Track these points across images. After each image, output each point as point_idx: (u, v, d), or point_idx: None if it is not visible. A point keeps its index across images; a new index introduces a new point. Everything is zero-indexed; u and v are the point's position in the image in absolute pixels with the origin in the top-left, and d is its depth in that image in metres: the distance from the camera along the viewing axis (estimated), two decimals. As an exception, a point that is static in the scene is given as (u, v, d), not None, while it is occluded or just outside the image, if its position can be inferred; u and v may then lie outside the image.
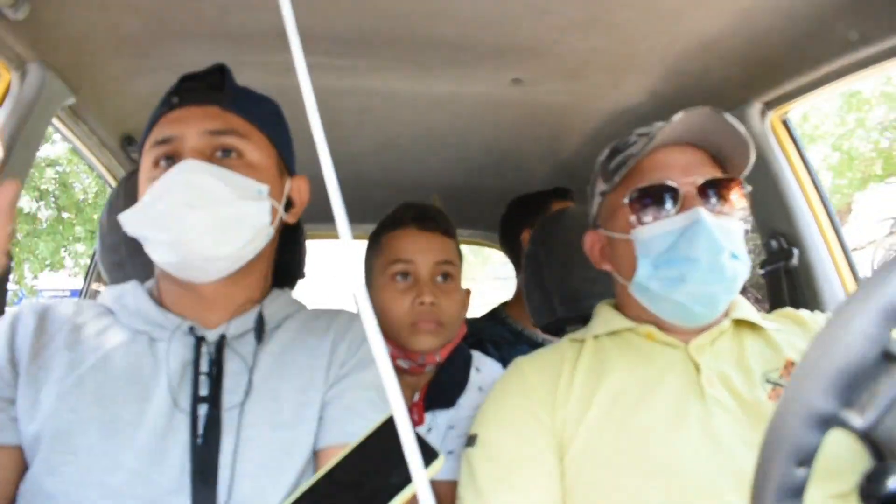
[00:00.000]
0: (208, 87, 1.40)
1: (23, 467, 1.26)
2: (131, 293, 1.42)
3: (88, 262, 2.96)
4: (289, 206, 1.48)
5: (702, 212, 1.38)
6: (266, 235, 1.39)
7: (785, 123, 2.16)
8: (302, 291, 1.62)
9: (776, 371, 1.40)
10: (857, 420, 0.70)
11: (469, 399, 1.87)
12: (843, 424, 0.71)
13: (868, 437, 0.71)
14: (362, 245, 2.14)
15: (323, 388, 1.35)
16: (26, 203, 13.23)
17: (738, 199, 1.46)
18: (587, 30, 1.79)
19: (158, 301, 1.42)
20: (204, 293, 1.38)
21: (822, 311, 1.65)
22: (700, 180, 1.42)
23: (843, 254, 2.09)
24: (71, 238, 13.67)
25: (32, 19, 1.55)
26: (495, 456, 1.44)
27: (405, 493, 0.96)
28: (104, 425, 1.23)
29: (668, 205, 1.43)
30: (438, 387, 1.90)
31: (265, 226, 1.36)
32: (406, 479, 0.97)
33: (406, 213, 1.97)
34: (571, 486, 1.38)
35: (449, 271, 1.92)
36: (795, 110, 2.13)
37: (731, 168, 1.50)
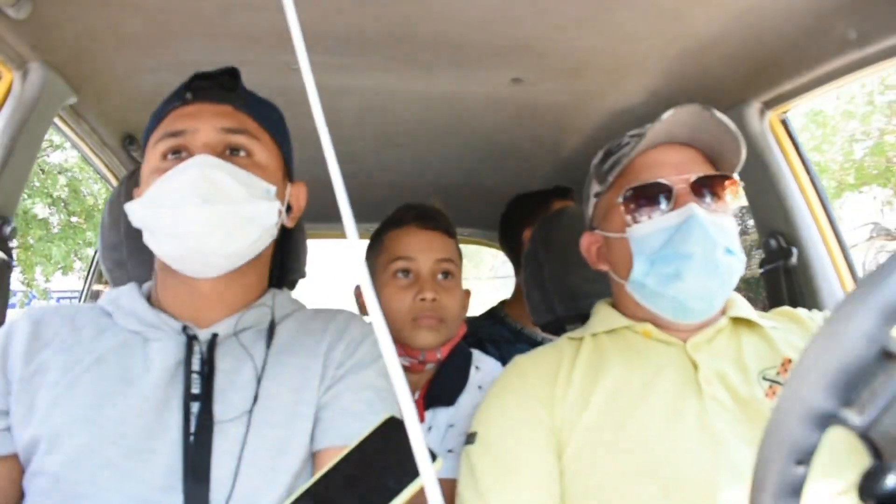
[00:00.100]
0: (221, 86, 1.41)
1: (20, 474, 1.26)
2: (127, 295, 1.42)
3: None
4: (288, 211, 1.48)
5: (695, 208, 1.39)
6: (270, 235, 1.40)
7: (784, 123, 2.17)
8: (303, 291, 1.62)
9: (773, 369, 1.41)
10: (856, 419, 0.70)
11: (469, 397, 1.88)
12: (841, 423, 0.71)
13: (867, 436, 0.71)
14: (364, 244, 2.15)
15: (318, 389, 1.34)
16: (40, 210, 13.35)
17: (732, 195, 1.47)
18: (587, 29, 1.79)
19: (155, 300, 1.42)
20: (201, 290, 1.37)
21: (821, 309, 1.65)
22: (693, 177, 1.43)
23: (842, 253, 2.09)
24: (82, 242, 13.78)
25: (34, 19, 1.56)
26: (495, 454, 1.44)
27: (403, 496, 0.96)
28: (93, 425, 1.23)
29: (662, 202, 1.44)
30: (439, 385, 1.91)
31: (271, 226, 1.37)
32: (404, 482, 0.96)
33: (407, 213, 1.99)
34: (570, 484, 1.39)
35: (450, 269, 1.94)
36: (794, 110, 2.14)
37: (723, 165, 1.51)
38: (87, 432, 1.22)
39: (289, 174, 1.49)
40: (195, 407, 1.27)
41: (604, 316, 1.60)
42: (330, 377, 1.36)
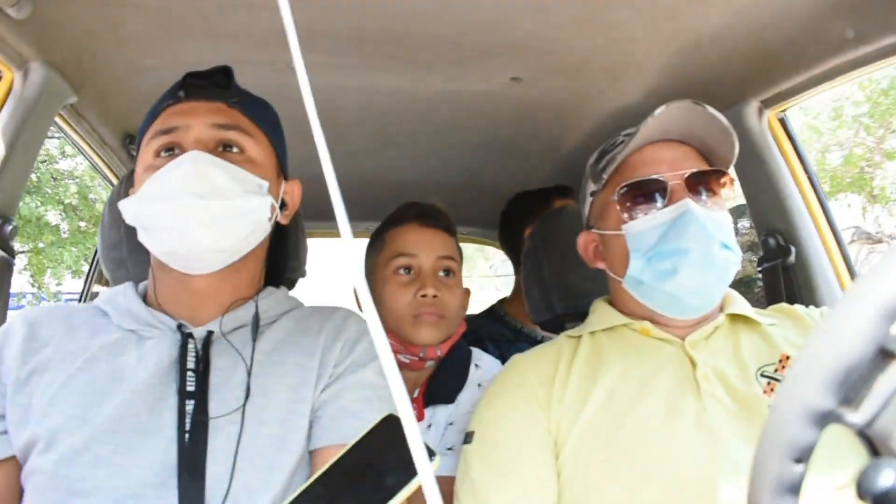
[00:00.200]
0: (214, 84, 1.42)
1: (19, 475, 1.27)
2: (122, 294, 1.43)
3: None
4: (282, 208, 1.48)
5: (690, 203, 1.40)
6: (263, 231, 1.40)
7: (782, 122, 2.17)
8: (304, 290, 1.63)
9: (772, 366, 1.41)
10: (854, 417, 0.70)
11: (468, 395, 1.88)
12: (839, 421, 0.71)
13: (864, 434, 0.72)
14: (362, 243, 2.15)
15: (316, 388, 1.34)
16: (52, 216, 13.49)
17: (726, 190, 1.47)
18: (585, 28, 1.79)
19: (151, 299, 1.42)
20: (196, 287, 1.38)
21: (819, 307, 1.65)
22: (687, 173, 1.44)
23: (840, 251, 2.10)
24: (91, 247, 14.06)
25: (34, 18, 1.56)
26: (492, 454, 1.44)
27: (402, 495, 0.95)
28: (87, 423, 1.23)
29: (657, 199, 1.45)
30: (438, 382, 1.91)
31: (264, 221, 1.37)
32: (402, 481, 0.96)
33: (409, 211, 2.00)
34: (567, 483, 1.39)
35: (450, 267, 1.96)
36: (793, 109, 2.14)
37: (717, 161, 1.51)
38: (82, 430, 1.22)
39: (283, 171, 1.50)
40: (190, 404, 1.28)
41: (602, 314, 1.60)
42: (328, 376, 1.36)
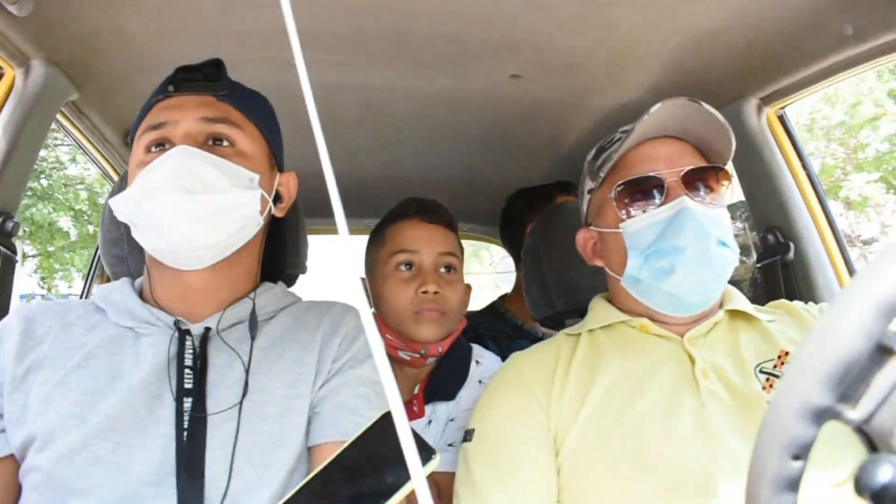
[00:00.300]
0: (204, 78, 1.41)
1: (17, 472, 1.27)
2: (119, 290, 1.42)
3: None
4: (277, 200, 1.47)
5: (687, 200, 1.40)
6: (255, 225, 1.39)
7: (781, 119, 2.17)
8: (305, 288, 1.62)
9: (771, 362, 1.41)
10: (852, 413, 0.70)
11: (469, 392, 1.88)
12: (837, 417, 0.71)
13: (862, 430, 0.72)
14: (362, 240, 2.15)
15: (314, 384, 1.34)
16: (64, 222, 13.60)
17: (724, 187, 1.47)
18: (585, 26, 1.79)
19: (148, 295, 1.41)
20: (190, 283, 1.37)
21: (818, 303, 1.65)
22: (683, 170, 1.44)
23: (839, 248, 2.10)
24: None
25: (36, 16, 1.56)
26: (491, 453, 1.44)
27: (401, 493, 0.95)
28: (84, 422, 1.22)
29: (654, 196, 1.45)
30: (439, 379, 1.92)
31: (255, 214, 1.36)
32: (402, 478, 0.96)
33: (410, 206, 1.99)
34: (567, 481, 1.39)
35: (452, 263, 1.96)
36: (792, 106, 2.15)
37: (714, 158, 1.51)
38: (78, 429, 1.22)
39: (278, 163, 1.49)
40: (187, 402, 1.27)
41: (600, 311, 1.60)
42: (326, 372, 1.36)
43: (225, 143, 1.36)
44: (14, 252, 1.82)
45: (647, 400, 1.39)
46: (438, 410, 1.87)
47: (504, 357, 1.67)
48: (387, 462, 0.98)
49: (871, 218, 15.66)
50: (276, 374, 1.33)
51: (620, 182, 1.47)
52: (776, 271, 2.13)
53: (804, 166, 2.16)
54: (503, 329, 2.66)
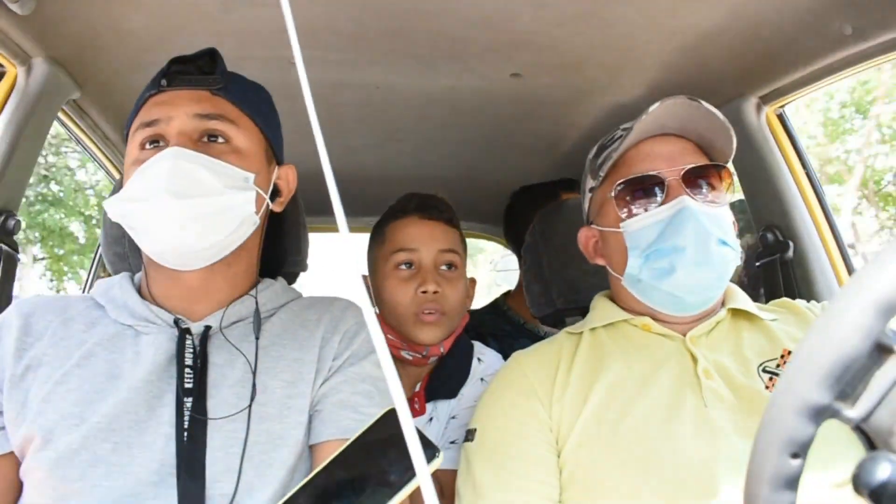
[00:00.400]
0: (198, 70, 1.38)
1: (17, 470, 1.26)
2: (118, 286, 1.41)
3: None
4: (276, 194, 1.46)
5: (687, 200, 1.40)
6: (252, 224, 1.37)
7: (780, 118, 2.17)
8: (305, 287, 1.62)
9: (773, 361, 1.41)
10: (851, 411, 0.71)
11: (471, 389, 1.88)
12: (836, 416, 0.71)
13: (861, 429, 0.72)
14: (363, 238, 2.14)
15: (314, 382, 1.33)
16: (75, 227, 13.73)
17: (725, 185, 1.47)
18: (585, 25, 1.79)
19: (147, 292, 1.40)
20: (188, 283, 1.36)
21: (818, 302, 1.66)
22: (684, 169, 1.43)
23: (838, 247, 2.10)
24: None
25: (38, 15, 1.56)
26: (493, 452, 1.44)
27: (404, 492, 0.95)
28: (84, 421, 1.22)
29: (654, 195, 1.44)
30: (441, 377, 1.91)
31: (251, 214, 1.35)
32: (405, 477, 0.95)
33: (410, 203, 1.97)
34: (569, 480, 1.39)
35: (453, 260, 1.93)
36: (791, 105, 2.15)
37: (716, 155, 1.51)
38: (79, 428, 1.21)
39: (276, 156, 1.47)
40: (187, 402, 1.26)
41: (602, 310, 1.60)
42: (326, 369, 1.35)
43: (219, 140, 1.34)
44: (16, 250, 1.82)
45: (650, 399, 1.39)
46: (440, 408, 1.87)
47: (505, 356, 1.67)
48: (389, 460, 0.97)
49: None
50: (276, 373, 1.32)
51: (621, 181, 1.47)
52: (775, 270, 2.13)
53: (803, 165, 2.16)
54: (505, 327, 2.65)
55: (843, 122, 13.47)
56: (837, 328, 0.69)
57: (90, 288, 2.75)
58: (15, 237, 1.81)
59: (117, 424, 1.22)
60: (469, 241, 2.27)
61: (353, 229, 0.58)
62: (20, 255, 1.83)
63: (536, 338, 2.50)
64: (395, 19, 1.77)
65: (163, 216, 1.24)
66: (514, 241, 2.92)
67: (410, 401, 1.89)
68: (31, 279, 14.11)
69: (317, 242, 2.62)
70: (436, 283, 1.86)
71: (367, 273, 2.04)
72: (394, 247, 1.91)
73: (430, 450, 0.98)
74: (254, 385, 1.30)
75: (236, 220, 1.31)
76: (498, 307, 2.79)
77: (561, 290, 1.97)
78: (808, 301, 1.62)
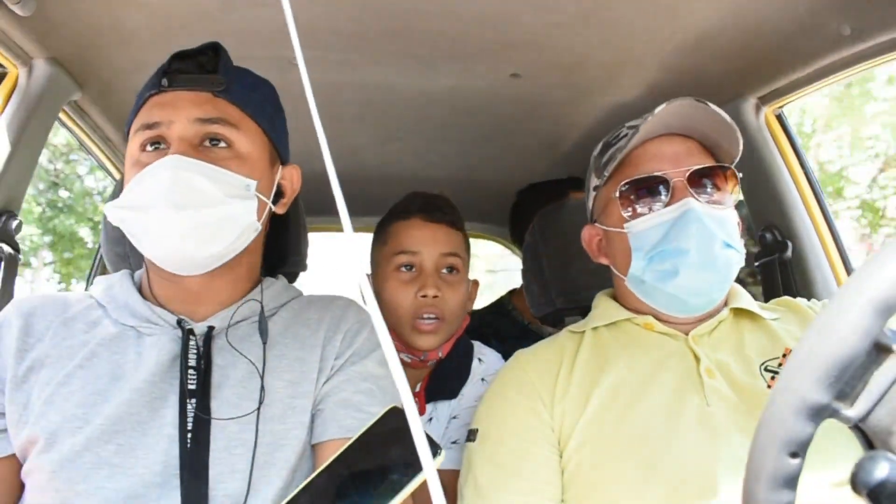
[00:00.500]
0: (200, 68, 1.35)
1: (19, 471, 1.26)
2: (119, 285, 1.40)
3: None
4: (279, 195, 1.44)
5: (692, 202, 1.39)
6: (253, 231, 1.36)
7: (779, 118, 2.18)
8: (306, 286, 1.62)
9: (775, 360, 1.41)
10: (849, 411, 0.71)
11: (472, 389, 1.87)
12: (835, 415, 0.72)
13: (859, 428, 0.73)
14: (364, 237, 2.14)
15: (317, 381, 1.33)
16: (84, 232, 13.89)
17: (730, 186, 1.47)
18: (585, 25, 1.80)
19: (148, 291, 1.39)
20: (190, 286, 1.35)
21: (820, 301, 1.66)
22: (689, 170, 1.43)
23: (836, 246, 2.11)
24: None
25: (39, 15, 1.56)
26: (495, 452, 1.44)
27: (407, 490, 0.95)
28: (88, 423, 1.21)
29: (659, 196, 1.44)
30: (441, 377, 1.90)
31: (252, 222, 1.33)
32: (407, 475, 0.95)
33: (413, 203, 1.95)
34: (571, 480, 1.39)
35: (454, 264, 1.91)
36: (790, 105, 2.15)
37: (721, 155, 1.50)
38: (82, 430, 1.21)
39: (280, 156, 1.45)
40: (191, 403, 1.26)
41: (604, 309, 1.60)
42: (329, 369, 1.34)
43: (221, 144, 1.31)
44: (18, 250, 1.82)
45: (652, 398, 1.39)
46: (440, 408, 1.87)
47: (507, 358, 1.67)
48: (392, 460, 0.97)
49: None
50: (279, 373, 1.32)
51: (625, 181, 1.46)
52: (774, 269, 2.14)
53: (802, 165, 2.16)
54: (508, 329, 2.63)
55: (813, 136, 13.54)
56: (836, 328, 0.69)
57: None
58: (17, 237, 1.81)
59: (121, 426, 1.22)
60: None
61: (352, 229, 0.58)
62: (32, 259, 1.84)
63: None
64: (395, 19, 1.77)
65: (162, 227, 1.23)
66: (519, 239, 2.89)
67: None
68: (40, 282, 14.33)
69: (316, 242, 2.62)
70: (436, 287, 1.84)
71: (368, 273, 2.03)
72: (395, 248, 1.90)
73: (431, 448, 0.98)
74: (262, 388, 1.29)
75: (237, 230, 1.30)
76: (503, 306, 2.77)
77: (560, 290, 1.97)
78: (812, 300, 1.62)
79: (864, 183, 12.69)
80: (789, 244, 2.10)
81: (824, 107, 12.12)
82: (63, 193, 14.37)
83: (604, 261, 1.61)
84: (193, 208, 1.23)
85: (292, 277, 1.73)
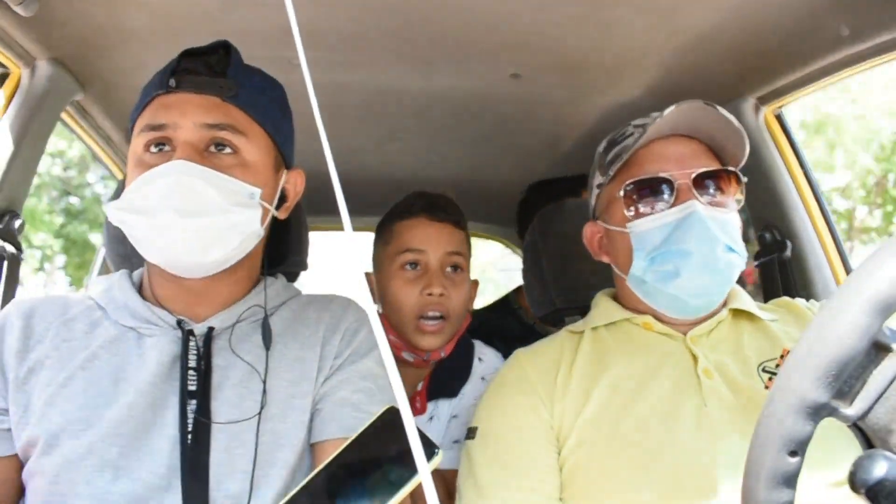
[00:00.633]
0: (209, 69, 1.32)
1: (20, 471, 1.26)
2: (118, 286, 1.39)
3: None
4: (282, 200, 1.43)
5: (696, 204, 1.39)
6: (256, 237, 1.36)
7: (778, 118, 2.18)
8: (306, 286, 1.62)
9: (773, 361, 1.41)
10: (848, 410, 0.71)
11: (473, 388, 1.88)
12: (833, 414, 0.72)
13: (858, 427, 0.73)
14: (364, 237, 2.14)
15: (316, 381, 1.33)
16: (96, 238, 14.18)
17: (735, 190, 1.47)
18: (584, 26, 1.80)
19: (148, 293, 1.39)
20: (191, 288, 1.34)
21: (816, 301, 1.66)
22: (694, 172, 1.43)
23: (835, 246, 2.11)
24: None
25: (41, 16, 1.56)
26: (494, 450, 1.45)
27: (405, 489, 0.95)
28: (91, 425, 1.22)
29: (663, 197, 1.44)
30: (441, 376, 1.91)
31: (256, 229, 1.33)
32: (405, 475, 0.96)
33: (416, 203, 1.96)
34: (569, 478, 1.39)
35: (458, 263, 1.92)
36: (789, 106, 2.16)
37: (727, 158, 1.50)
38: (85, 433, 1.21)
39: (285, 160, 1.43)
40: (192, 404, 1.26)
41: (604, 309, 1.60)
42: (328, 368, 1.35)
43: (227, 150, 1.29)
44: (20, 250, 1.82)
45: (650, 398, 1.39)
46: (440, 407, 1.88)
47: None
48: (390, 459, 0.98)
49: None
50: (279, 373, 1.32)
51: (630, 181, 1.46)
52: (773, 269, 2.14)
53: (801, 165, 2.16)
54: (513, 328, 2.62)
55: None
56: (835, 327, 0.70)
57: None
58: (19, 237, 1.81)
59: (124, 429, 1.22)
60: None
61: (353, 228, 0.58)
62: (46, 265, 1.85)
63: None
64: (396, 20, 1.78)
65: (166, 233, 1.22)
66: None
67: (412, 400, 1.89)
68: (53, 287, 14.55)
69: (317, 242, 2.62)
70: (441, 285, 1.86)
71: (370, 272, 2.04)
72: (400, 247, 1.91)
73: (429, 448, 0.98)
74: (264, 391, 1.29)
75: (239, 238, 1.29)
76: (508, 305, 2.75)
77: (560, 290, 1.97)
78: (811, 300, 1.62)
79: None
80: (788, 244, 2.11)
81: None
82: (73, 200, 14.75)
83: (604, 259, 1.61)
84: (197, 215, 1.22)
85: (292, 277, 1.73)
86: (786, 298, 1.63)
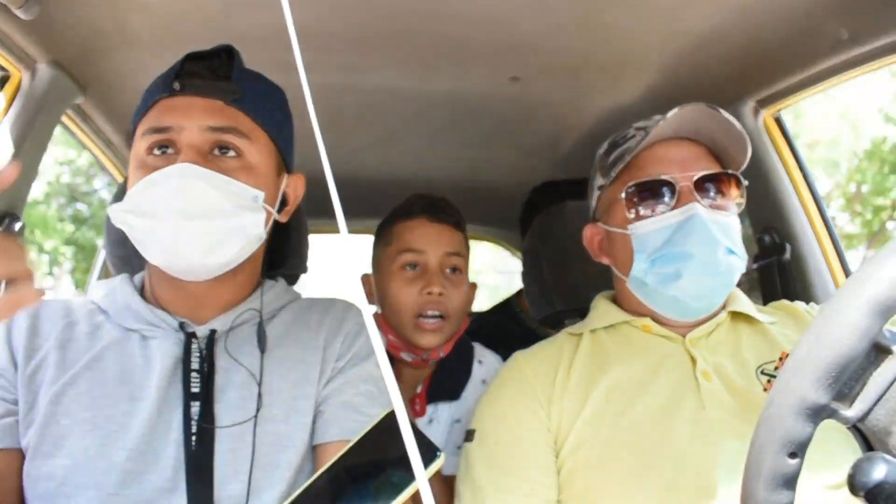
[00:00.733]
0: (213, 73, 1.32)
1: (21, 468, 1.25)
2: (119, 289, 1.39)
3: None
4: (283, 203, 1.43)
5: (698, 207, 1.39)
6: (258, 240, 1.35)
7: (778, 121, 2.18)
8: (305, 288, 1.62)
9: (772, 363, 1.41)
10: (848, 411, 0.72)
11: (473, 392, 1.88)
12: (833, 416, 0.72)
13: (858, 429, 0.73)
14: (362, 239, 2.14)
15: (318, 383, 1.33)
16: (102, 243, 14.64)
17: (735, 193, 1.47)
18: (585, 28, 1.80)
19: (150, 295, 1.39)
20: (193, 291, 1.34)
21: (816, 304, 1.66)
22: (696, 175, 1.43)
23: (834, 249, 2.11)
24: None
25: (42, 19, 1.56)
26: (493, 452, 1.45)
27: (407, 492, 0.95)
28: (97, 428, 1.22)
29: (665, 199, 1.44)
30: (441, 379, 1.92)
31: (259, 232, 1.32)
32: (407, 478, 0.96)
33: (416, 204, 1.97)
34: (567, 480, 1.39)
35: (457, 264, 1.93)
36: (788, 108, 2.16)
37: (728, 162, 1.50)
38: (92, 435, 1.21)
39: (287, 164, 1.43)
40: (195, 406, 1.26)
41: (603, 311, 1.60)
42: (330, 370, 1.35)
43: (231, 153, 1.29)
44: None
45: (648, 401, 1.39)
46: (440, 410, 1.88)
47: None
48: (392, 461, 0.98)
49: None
50: (282, 375, 1.32)
51: (632, 183, 1.46)
52: (773, 272, 2.14)
53: (800, 168, 2.17)
54: (514, 331, 2.61)
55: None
56: (835, 329, 0.70)
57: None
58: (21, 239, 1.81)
59: (130, 432, 1.22)
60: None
61: (353, 231, 0.58)
62: (55, 269, 1.85)
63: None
64: (395, 23, 1.78)
65: (169, 236, 1.22)
66: None
67: (411, 402, 1.90)
68: (61, 290, 14.65)
69: (317, 244, 2.62)
70: (441, 285, 1.86)
71: (368, 273, 2.04)
72: (400, 247, 1.91)
73: (431, 451, 0.98)
74: (259, 395, 1.29)
75: (242, 241, 1.29)
76: (510, 307, 2.75)
77: (560, 292, 1.97)
78: (810, 303, 1.62)
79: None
80: (787, 246, 2.11)
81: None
82: (80, 206, 14.97)
83: (604, 260, 1.61)
84: (201, 218, 1.22)
85: (292, 279, 1.73)
86: (785, 301, 1.63)
